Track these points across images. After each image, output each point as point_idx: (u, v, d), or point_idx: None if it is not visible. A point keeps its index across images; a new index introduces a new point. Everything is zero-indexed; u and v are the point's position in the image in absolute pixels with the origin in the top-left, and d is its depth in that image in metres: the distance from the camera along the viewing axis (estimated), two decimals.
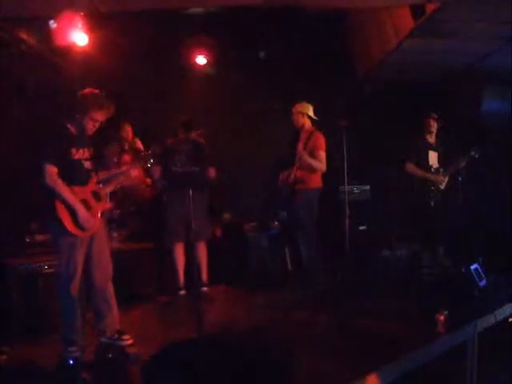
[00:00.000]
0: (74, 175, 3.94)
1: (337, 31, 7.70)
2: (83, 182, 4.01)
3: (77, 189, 3.94)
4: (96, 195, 4.09)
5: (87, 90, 4.00)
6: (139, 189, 6.47)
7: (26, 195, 5.39)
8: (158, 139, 5.96)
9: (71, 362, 3.85)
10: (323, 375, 3.53)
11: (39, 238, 5.43)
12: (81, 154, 4.02)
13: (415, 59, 7.15)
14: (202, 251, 5.83)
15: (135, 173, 4.39)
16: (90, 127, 4.02)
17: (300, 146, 5.91)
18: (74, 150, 3.97)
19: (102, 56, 5.99)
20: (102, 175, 4.28)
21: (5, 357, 4.01)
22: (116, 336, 4.20)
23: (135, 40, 6.31)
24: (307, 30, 7.15)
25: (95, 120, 3.99)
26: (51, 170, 3.80)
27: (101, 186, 4.18)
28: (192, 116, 5.99)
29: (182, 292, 5.76)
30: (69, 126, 4.02)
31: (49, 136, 4.01)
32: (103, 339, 4.23)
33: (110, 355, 4.07)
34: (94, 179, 4.11)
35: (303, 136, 5.99)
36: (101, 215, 4.18)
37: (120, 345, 4.16)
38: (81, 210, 3.88)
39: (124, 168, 4.46)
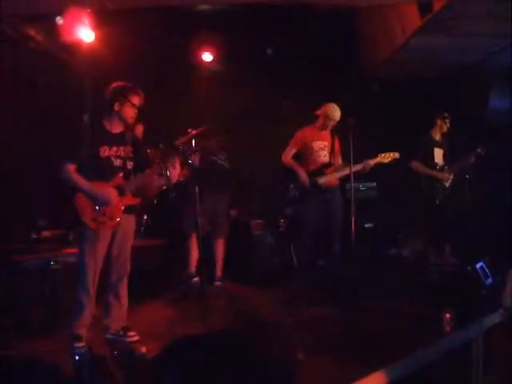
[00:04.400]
0: (98, 172, 3.97)
1: (344, 29, 7.68)
2: (107, 178, 4.02)
3: (97, 183, 3.95)
4: (120, 189, 4.07)
5: (118, 83, 4.09)
6: (155, 186, 6.47)
7: (32, 192, 5.43)
8: (164, 136, 5.98)
9: (77, 357, 3.87)
10: (327, 373, 3.54)
11: (46, 234, 5.46)
12: (113, 152, 4.06)
13: (422, 57, 7.13)
14: (220, 248, 5.98)
15: (175, 174, 4.32)
16: (131, 114, 4.09)
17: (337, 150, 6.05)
18: (104, 148, 4.01)
19: (109, 53, 6.00)
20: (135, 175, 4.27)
21: (13, 352, 4.03)
22: (121, 332, 4.22)
23: (142, 37, 6.32)
24: (315, 27, 7.13)
25: (134, 105, 4.06)
26: (67, 168, 3.88)
27: (127, 181, 4.14)
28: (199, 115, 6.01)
29: (196, 279, 5.80)
30: (105, 123, 4.10)
31: (76, 134, 4.09)
32: (109, 335, 4.24)
33: (116, 351, 4.08)
34: (120, 175, 4.09)
35: (329, 137, 6.02)
36: (127, 211, 4.17)
37: (125, 341, 4.18)
38: (95, 190, 3.91)
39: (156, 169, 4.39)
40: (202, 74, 7.46)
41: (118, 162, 4.10)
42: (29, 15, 5.49)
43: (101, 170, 4.00)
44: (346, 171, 5.69)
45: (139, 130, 6.46)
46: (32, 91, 5.96)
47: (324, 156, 5.96)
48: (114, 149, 4.08)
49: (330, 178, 5.88)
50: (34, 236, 5.44)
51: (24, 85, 5.91)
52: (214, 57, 7.45)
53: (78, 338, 3.95)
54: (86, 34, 5.46)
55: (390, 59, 7.29)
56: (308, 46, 7.47)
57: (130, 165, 4.19)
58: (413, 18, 5.90)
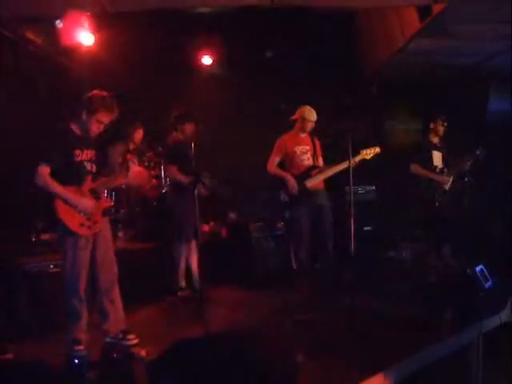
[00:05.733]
0: (72, 177, 3.93)
1: (344, 31, 7.70)
2: (79, 183, 3.99)
3: (72, 189, 3.91)
4: (94, 193, 4.07)
5: (95, 92, 4.00)
6: (143, 189, 6.49)
7: (31, 194, 5.41)
8: (160, 139, 5.99)
9: (77, 360, 3.87)
10: (327, 375, 3.55)
11: (45, 236, 5.45)
12: (85, 156, 4.03)
13: (422, 59, 7.15)
14: (192, 254, 5.82)
15: (135, 173, 4.31)
16: (95, 129, 4.02)
17: (318, 153, 6.10)
18: (77, 152, 3.97)
19: (108, 56, 6.01)
20: (104, 174, 4.27)
21: (11, 355, 4.02)
22: (121, 336, 4.21)
23: (141, 40, 6.33)
24: (314, 30, 7.15)
25: (101, 122, 3.99)
26: (43, 171, 3.79)
27: (98, 184, 4.13)
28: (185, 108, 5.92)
29: (181, 293, 5.74)
30: (73, 127, 4.02)
31: (51, 137, 4.03)
32: (108, 339, 4.23)
33: (115, 355, 4.08)
34: (90, 178, 4.07)
35: (309, 141, 6.06)
36: (103, 214, 4.17)
37: (125, 344, 4.17)
38: (77, 199, 3.87)
39: (124, 168, 4.39)
40: (202, 76, 7.47)
41: (89, 166, 4.08)
42: (28, 18, 5.48)
43: (75, 175, 3.97)
44: (332, 171, 5.87)
45: (139, 133, 6.47)
46: (31, 93, 5.95)
47: (307, 159, 6.02)
48: (85, 152, 4.04)
49: (316, 180, 5.94)
50: (33, 238, 5.44)
51: (23, 87, 5.91)
52: (213, 60, 7.46)
53: (78, 342, 3.95)
54: (85, 37, 5.46)
55: (389, 62, 7.30)
56: (307, 48, 7.49)
57: (94, 167, 4.15)
58: (412, 21, 5.91)
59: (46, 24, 5.53)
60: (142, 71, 6.65)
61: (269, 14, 6.14)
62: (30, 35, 5.90)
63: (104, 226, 4.21)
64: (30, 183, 4.83)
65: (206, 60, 7.41)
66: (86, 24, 5.30)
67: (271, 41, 7.53)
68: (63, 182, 3.86)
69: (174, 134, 5.75)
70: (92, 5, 4.93)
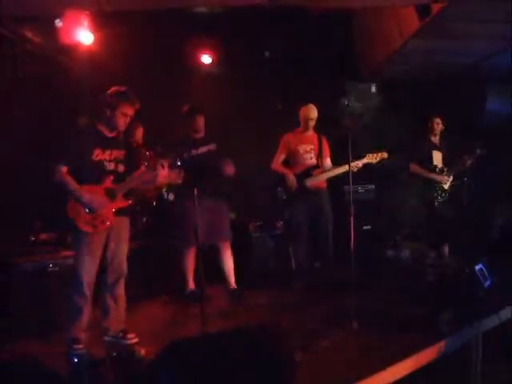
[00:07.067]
0: (88, 175, 3.98)
1: (342, 31, 7.70)
2: (97, 181, 4.02)
3: (87, 187, 3.96)
4: (110, 193, 4.07)
5: (114, 88, 4.09)
6: (143, 188, 6.47)
7: (29, 194, 5.41)
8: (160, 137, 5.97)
9: (76, 359, 3.87)
10: (327, 374, 3.54)
11: (43, 236, 5.44)
12: (107, 155, 4.08)
13: (420, 59, 7.14)
14: (227, 253, 5.77)
15: (162, 177, 4.27)
16: (122, 123, 4.10)
17: (325, 152, 6.10)
18: (98, 151, 4.03)
19: (108, 55, 6.00)
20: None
21: (7, 355, 4.02)
22: (121, 335, 4.22)
23: (140, 39, 6.32)
24: (312, 29, 7.14)
25: (126, 114, 4.07)
26: (61, 169, 3.88)
27: (117, 184, 4.13)
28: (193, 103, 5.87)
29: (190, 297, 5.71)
30: (99, 126, 4.10)
31: (70, 137, 4.09)
32: (108, 338, 4.24)
33: (115, 354, 4.07)
34: (111, 178, 4.09)
35: (316, 140, 6.04)
36: (117, 214, 4.17)
37: (124, 343, 4.18)
38: (85, 197, 3.91)
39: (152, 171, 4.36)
40: (201, 76, 7.46)
41: (110, 166, 4.11)
42: (27, 17, 5.48)
43: (92, 173, 4.01)
44: (334, 172, 5.86)
45: (139, 132, 6.45)
46: (30, 93, 5.95)
47: (310, 158, 6.00)
48: (108, 152, 4.10)
49: (317, 180, 5.93)
50: (32, 238, 5.42)
51: (22, 87, 5.90)
52: (212, 59, 7.46)
53: (77, 341, 3.95)
54: (84, 36, 5.46)
55: (387, 62, 7.30)
56: (306, 48, 7.49)
57: (121, 168, 4.19)
58: (411, 21, 5.91)
59: (45, 23, 5.52)
60: (140, 70, 6.63)
61: (268, 12, 6.13)
62: (29, 34, 5.89)
63: (119, 225, 4.22)
64: (29, 183, 4.85)
65: (206, 59, 7.41)
66: (86, 23, 5.31)
67: (270, 40, 7.52)
68: (80, 179, 3.93)
69: (183, 129, 5.71)
70: (90, 4, 4.93)
